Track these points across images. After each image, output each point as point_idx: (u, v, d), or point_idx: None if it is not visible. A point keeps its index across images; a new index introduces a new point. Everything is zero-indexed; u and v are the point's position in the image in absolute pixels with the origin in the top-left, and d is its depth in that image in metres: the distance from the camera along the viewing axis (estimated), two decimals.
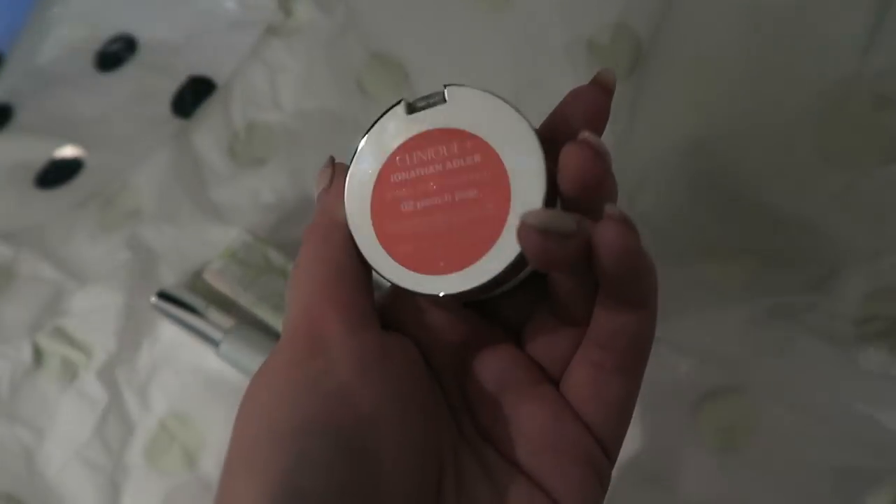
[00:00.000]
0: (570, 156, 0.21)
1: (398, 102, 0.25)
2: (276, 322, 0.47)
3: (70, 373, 0.49)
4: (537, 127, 0.24)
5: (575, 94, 0.24)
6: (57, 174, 0.56)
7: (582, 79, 0.47)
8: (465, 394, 0.26)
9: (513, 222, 0.22)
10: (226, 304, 0.49)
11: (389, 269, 0.24)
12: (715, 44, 0.39)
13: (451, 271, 0.23)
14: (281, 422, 0.20)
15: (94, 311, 0.50)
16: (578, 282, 0.23)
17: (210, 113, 0.56)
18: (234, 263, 0.49)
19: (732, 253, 0.43)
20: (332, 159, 0.27)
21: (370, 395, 0.21)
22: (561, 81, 0.49)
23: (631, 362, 0.23)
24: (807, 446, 0.37)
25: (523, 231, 0.20)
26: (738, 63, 0.37)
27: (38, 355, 0.50)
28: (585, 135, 0.21)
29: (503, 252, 0.22)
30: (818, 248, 0.39)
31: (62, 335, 0.50)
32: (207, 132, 0.56)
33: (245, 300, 0.48)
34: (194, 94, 0.57)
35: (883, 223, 0.36)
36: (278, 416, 0.21)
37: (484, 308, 0.27)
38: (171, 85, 0.58)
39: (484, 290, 0.23)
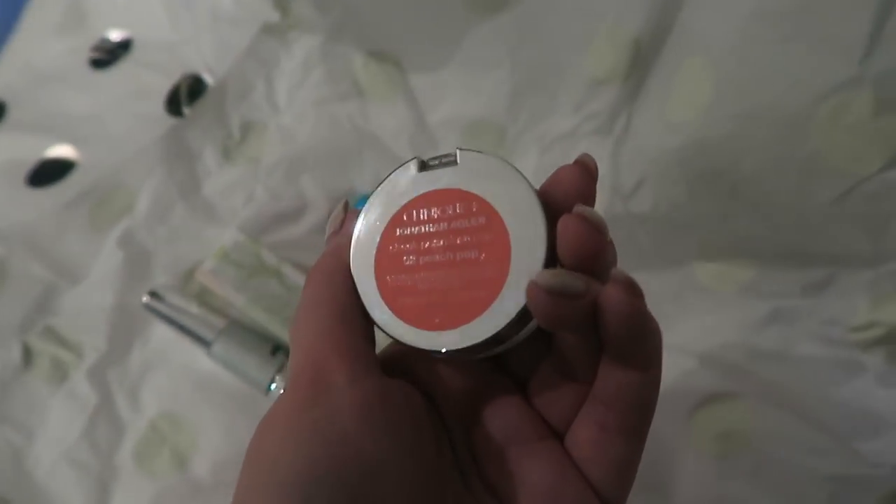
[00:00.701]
0: (567, 229, 0.21)
1: (411, 159, 0.25)
2: (268, 323, 0.47)
3: (60, 373, 0.48)
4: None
5: (562, 172, 0.24)
6: (48, 173, 0.55)
7: (579, 79, 0.47)
8: (472, 445, 0.26)
9: (509, 288, 0.23)
10: (218, 305, 0.48)
11: (386, 320, 0.24)
12: (715, 45, 0.38)
13: (445, 328, 0.23)
14: (285, 470, 0.21)
15: (86, 311, 0.50)
16: (584, 341, 0.23)
17: (204, 111, 0.56)
18: (226, 263, 0.48)
19: (730, 256, 0.43)
20: (346, 204, 0.27)
21: (372, 443, 0.22)
22: (557, 82, 0.49)
23: (635, 422, 0.23)
24: (802, 453, 0.37)
25: (533, 290, 0.20)
26: (737, 64, 0.37)
27: (28, 355, 0.49)
28: (581, 208, 0.21)
29: (497, 316, 0.23)
30: (817, 252, 0.39)
31: (53, 335, 0.50)
32: (201, 131, 0.55)
33: (237, 301, 0.47)
34: (188, 93, 0.56)
35: (882, 229, 0.36)
36: (283, 464, 0.21)
37: (492, 359, 0.27)
38: (165, 83, 0.57)
39: (475, 350, 0.23)
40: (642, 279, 0.42)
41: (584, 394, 0.24)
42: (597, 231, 0.21)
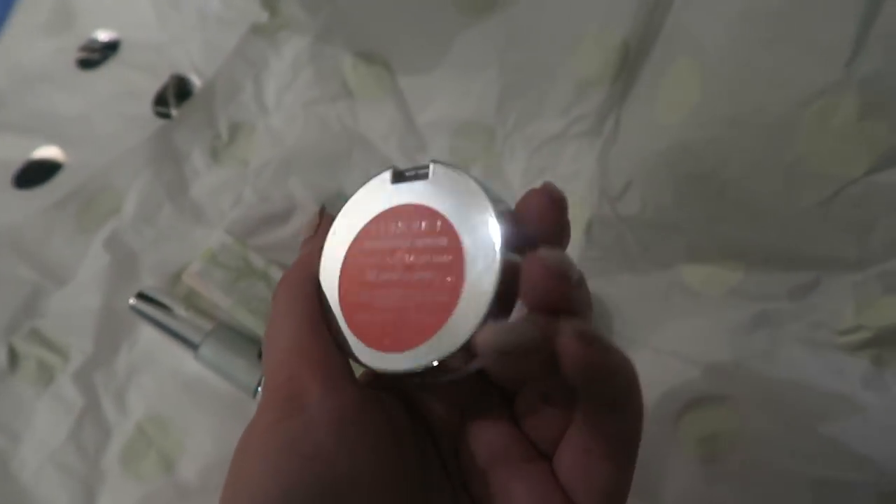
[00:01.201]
0: (528, 274, 0.20)
1: (387, 169, 0.25)
2: (255, 326, 0.46)
3: (46, 375, 0.48)
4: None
5: (529, 199, 0.23)
6: (35, 174, 0.55)
7: (568, 81, 0.47)
8: (460, 462, 0.25)
9: (456, 318, 0.22)
10: (205, 307, 0.48)
11: (341, 334, 0.24)
12: (703, 47, 0.38)
13: (391, 350, 0.23)
14: (262, 488, 0.21)
15: (72, 313, 0.49)
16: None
17: (192, 112, 0.55)
18: (213, 266, 0.48)
19: (717, 258, 0.43)
20: (322, 210, 0.27)
21: (347, 455, 0.21)
22: (546, 84, 0.49)
23: (618, 453, 0.23)
24: (788, 457, 0.37)
25: (482, 349, 0.20)
26: (725, 67, 0.37)
27: (14, 357, 0.49)
28: (543, 254, 0.20)
29: (441, 344, 0.22)
30: (803, 255, 0.39)
31: (39, 337, 0.49)
32: (189, 132, 0.55)
33: (224, 303, 0.47)
34: (176, 94, 0.56)
35: (868, 232, 0.36)
36: (259, 482, 0.21)
37: (482, 376, 0.26)
38: (153, 84, 0.57)
39: (416, 376, 0.23)
40: (630, 282, 0.43)
41: (569, 417, 0.23)
42: (559, 278, 0.20)
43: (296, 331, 0.24)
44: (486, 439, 0.25)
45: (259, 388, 0.44)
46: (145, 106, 0.57)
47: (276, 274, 0.48)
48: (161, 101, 0.56)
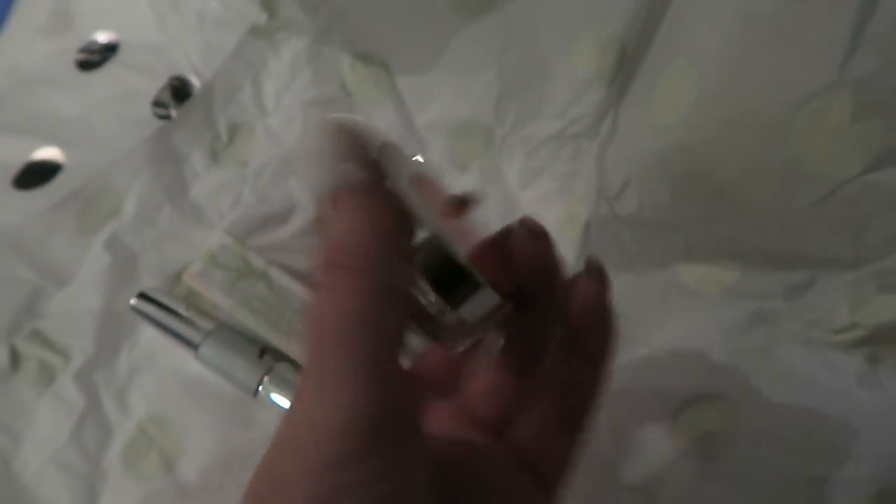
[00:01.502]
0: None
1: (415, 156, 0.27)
2: (255, 326, 0.47)
3: (47, 376, 0.48)
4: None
5: (511, 239, 0.24)
6: (34, 176, 0.55)
7: (565, 81, 0.47)
8: None
9: None
10: (206, 308, 0.48)
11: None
12: (699, 47, 0.39)
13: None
14: None
15: (73, 314, 0.50)
16: (536, 333, 0.23)
17: (191, 113, 0.56)
18: (213, 266, 0.48)
19: (714, 257, 0.43)
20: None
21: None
22: (544, 84, 0.49)
23: (579, 416, 0.24)
24: (784, 455, 0.37)
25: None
26: (721, 67, 0.37)
27: (15, 358, 0.49)
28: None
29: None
30: (799, 254, 0.39)
31: (40, 338, 0.49)
32: (189, 133, 0.55)
33: (225, 303, 0.47)
34: (176, 95, 0.56)
35: (863, 232, 0.36)
36: None
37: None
38: (152, 85, 0.57)
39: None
40: (628, 281, 0.43)
41: (522, 391, 0.24)
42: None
43: (372, 370, 0.19)
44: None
45: (259, 388, 0.44)
46: (144, 107, 0.57)
47: (276, 274, 0.48)
48: (160, 102, 0.56)
